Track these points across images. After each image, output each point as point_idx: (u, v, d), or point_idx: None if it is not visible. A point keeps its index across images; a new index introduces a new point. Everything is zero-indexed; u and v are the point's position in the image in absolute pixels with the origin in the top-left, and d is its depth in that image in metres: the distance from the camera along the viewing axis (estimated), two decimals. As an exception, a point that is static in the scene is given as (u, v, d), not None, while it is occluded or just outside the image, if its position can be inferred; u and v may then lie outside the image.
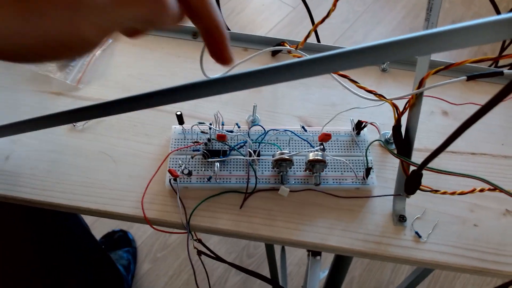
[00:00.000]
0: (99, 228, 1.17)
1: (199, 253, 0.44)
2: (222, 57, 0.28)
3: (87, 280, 0.65)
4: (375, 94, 0.41)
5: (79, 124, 0.48)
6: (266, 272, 0.84)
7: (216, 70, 0.53)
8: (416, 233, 0.42)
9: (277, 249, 0.96)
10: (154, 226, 0.43)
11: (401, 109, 0.41)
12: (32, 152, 0.45)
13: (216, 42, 0.27)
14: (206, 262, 0.48)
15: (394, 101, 0.41)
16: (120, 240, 1.10)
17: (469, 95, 0.53)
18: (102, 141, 0.47)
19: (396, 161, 0.45)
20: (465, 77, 0.39)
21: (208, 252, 0.45)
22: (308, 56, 0.23)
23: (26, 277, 0.53)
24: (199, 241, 0.44)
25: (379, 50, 0.22)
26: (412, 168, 0.39)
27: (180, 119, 0.43)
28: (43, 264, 0.55)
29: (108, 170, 0.44)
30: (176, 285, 1.10)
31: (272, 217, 0.42)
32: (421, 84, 0.39)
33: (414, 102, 0.40)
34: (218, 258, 0.45)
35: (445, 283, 1.14)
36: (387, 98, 0.41)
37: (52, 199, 0.42)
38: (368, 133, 0.47)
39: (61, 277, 0.58)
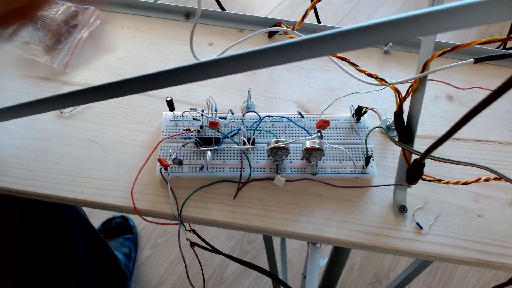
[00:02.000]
0: (98, 214, 1.16)
1: (192, 244, 0.42)
2: None
3: (83, 269, 0.64)
4: (376, 78, 0.38)
5: (67, 111, 0.46)
6: (266, 259, 0.83)
7: (209, 53, 0.51)
8: (418, 224, 0.40)
9: (277, 237, 0.95)
10: (144, 217, 0.41)
11: (403, 93, 0.39)
12: (17, 140, 0.44)
13: None
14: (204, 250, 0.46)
15: (396, 86, 0.38)
16: (120, 227, 1.09)
17: (475, 79, 0.50)
18: (90, 128, 0.45)
19: (398, 149, 0.43)
20: (472, 60, 0.37)
21: (203, 244, 0.43)
22: (303, 36, 0.21)
23: (16, 269, 0.52)
24: (193, 231, 0.43)
25: (381, 28, 0.20)
26: (414, 156, 0.37)
27: (171, 105, 0.41)
28: (36, 253, 0.54)
29: (96, 159, 0.43)
30: (177, 270, 1.09)
31: (267, 208, 0.40)
32: (425, 67, 0.36)
33: (418, 87, 0.38)
34: (213, 250, 0.43)
35: (447, 269, 1.13)
36: (389, 82, 0.39)
37: (38, 189, 0.41)
38: (368, 120, 0.45)
39: (56, 267, 0.57)
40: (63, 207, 0.60)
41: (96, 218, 1.14)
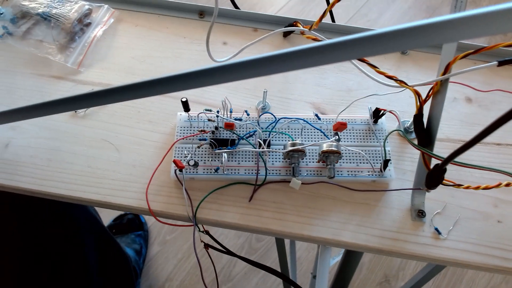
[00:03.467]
0: (109, 210, 1.16)
1: (206, 246, 0.42)
2: None
3: (91, 268, 0.64)
4: (396, 80, 0.38)
5: (81, 110, 0.45)
6: (276, 256, 0.82)
7: (224, 52, 0.51)
8: (436, 229, 0.39)
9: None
10: (159, 219, 0.41)
11: (423, 96, 0.38)
12: (32, 139, 0.43)
13: None
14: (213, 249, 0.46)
15: (416, 88, 0.38)
16: (132, 223, 1.09)
17: (495, 81, 0.49)
18: (104, 128, 0.44)
19: (416, 152, 0.42)
20: (496, 63, 0.36)
21: (216, 245, 0.43)
22: (327, 41, 0.20)
23: (22, 268, 0.52)
24: (207, 232, 0.42)
25: (411, 33, 0.19)
26: (433, 160, 0.36)
27: (186, 106, 0.41)
28: (42, 253, 0.54)
29: (110, 159, 0.42)
30: (186, 267, 1.10)
31: (283, 211, 0.40)
32: (447, 69, 0.35)
33: (439, 89, 0.37)
34: (226, 252, 0.43)
35: (457, 270, 1.12)
36: (407, 83, 0.38)
37: (52, 189, 0.40)
38: (386, 122, 0.44)
39: (63, 266, 0.57)
40: (72, 206, 0.60)
41: (108, 214, 1.14)
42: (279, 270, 0.70)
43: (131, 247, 1.03)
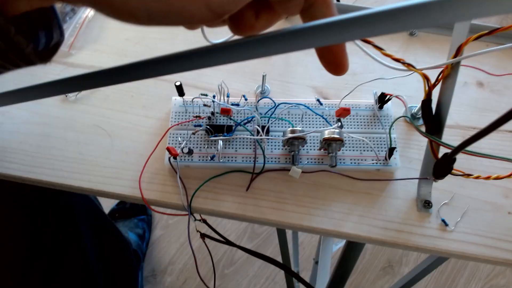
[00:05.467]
0: (110, 194, 1.16)
1: (203, 236, 0.41)
2: (340, 65, 0.23)
3: (90, 256, 0.63)
4: (403, 63, 0.35)
5: (72, 95, 0.43)
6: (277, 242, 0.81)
7: (220, 33, 0.48)
8: (443, 220, 0.37)
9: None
10: (153, 208, 0.39)
11: (432, 80, 0.36)
12: (21, 124, 0.42)
13: (336, 49, 0.22)
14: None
15: (425, 71, 0.35)
16: (135, 208, 1.09)
17: (509, 64, 0.46)
18: (96, 113, 0.42)
19: (423, 139, 0.40)
20: (511, 45, 0.33)
21: (213, 234, 0.41)
22: (331, 18, 0.18)
23: (20, 258, 0.51)
24: (204, 221, 0.41)
25: (420, 10, 0.17)
26: (442, 148, 0.34)
27: (180, 90, 0.39)
28: (41, 242, 0.53)
29: (102, 146, 0.41)
30: (188, 251, 1.09)
31: (282, 201, 0.38)
32: (458, 51, 0.33)
33: (449, 73, 0.34)
34: (224, 241, 0.42)
35: (458, 262, 1.11)
36: (415, 67, 0.35)
37: (42, 177, 0.39)
38: (392, 107, 0.41)
39: (62, 255, 0.56)
40: (69, 193, 0.59)
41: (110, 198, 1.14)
42: (280, 256, 0.69)
43: (134, 232, 1.03)
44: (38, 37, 0.19)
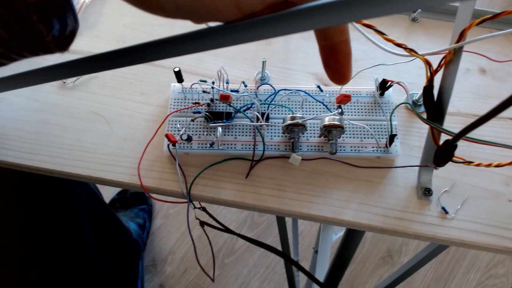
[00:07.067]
0: (111, 184, 1.16)
1: (202, 224, 0.41)
2: (345, 75, 0.23)
3: (90, 245, 0.63)
4: (405, 48, 0.34)
5: (69, 81, 0.43)
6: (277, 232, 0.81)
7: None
8: (443, 208, 0.37)
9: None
10: (151, 195, 0.39)
11: (434, 66, 0.35)
12: (18, 111, 0.41)
13: (343, 60, 0.23)
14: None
15: (427, 57, 0.35)
16: (135, 197, 1.08)
17: (511, 50, 0.46)
18: (94, 100, 0.42)
19: (424, 126, 0.40)
20: (515, 29, 0.33)
21: (212, 222, 0.41)
22: None
23: (20, 248, 0.51)
24: (203, 209, 0.41)
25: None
26: (443, 135, 0.34)
27: (179, 76, 0.38)
28: (40, 231, 0.53)
29: (100, 133, 0.40)
30: (188, 240, 1.10)
31: (281, 188, 0.38)
32: (461, 36, 0.32)
33: (452, 58, 0.34)
34: (223, 229, 0.41)
35: (457, 252, 1.11)
36: (417, 52, 0.35)
37: (40, 164, 0.39)
38: (393, 94, 0.41)
39: (62, 245, 0.56)
40: (69, 181, 0.59)
41: (111, 187, 1.14)
42: (280, 245, 0.69)
43: (135, 221, 1.03)
44: (52, 24, 0.19)
